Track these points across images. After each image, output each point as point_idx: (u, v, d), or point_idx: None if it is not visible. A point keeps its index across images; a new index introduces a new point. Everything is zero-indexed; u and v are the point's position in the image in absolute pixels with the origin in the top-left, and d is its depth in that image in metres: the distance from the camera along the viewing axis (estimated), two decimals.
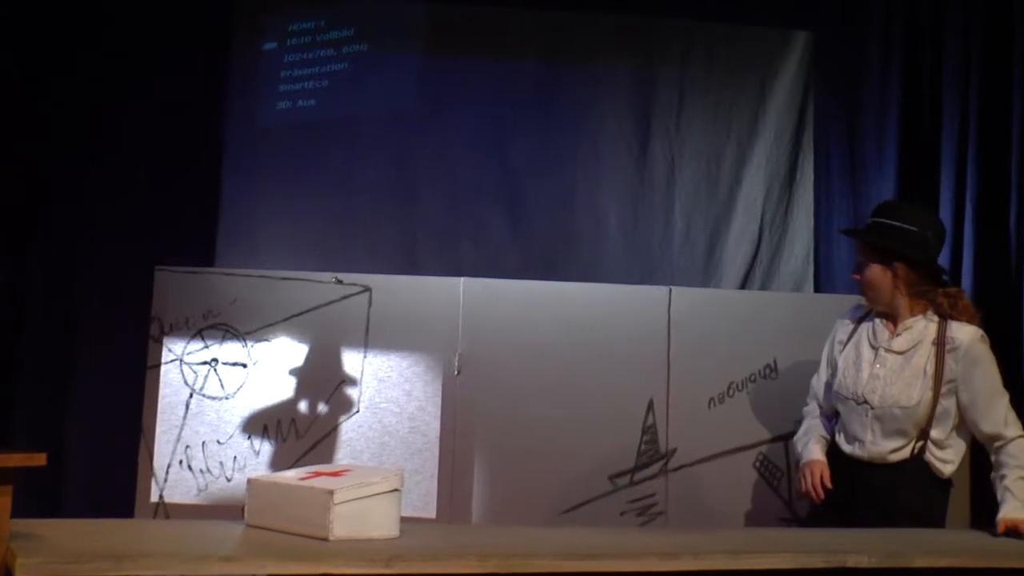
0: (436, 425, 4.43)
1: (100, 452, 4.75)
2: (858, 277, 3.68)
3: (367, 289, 4.49)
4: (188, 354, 4.43)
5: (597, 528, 3.74)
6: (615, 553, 2.64)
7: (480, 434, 4.43)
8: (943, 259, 4.92)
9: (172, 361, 4.43)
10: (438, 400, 4.44)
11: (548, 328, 4.49)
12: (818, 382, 3.84)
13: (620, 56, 5.49)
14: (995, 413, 3.48)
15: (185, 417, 4.40)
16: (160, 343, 4.42)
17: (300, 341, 4.45)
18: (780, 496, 4.48)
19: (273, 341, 4.45)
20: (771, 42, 5.47)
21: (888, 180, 5.19)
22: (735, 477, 4.47)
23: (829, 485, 3.60)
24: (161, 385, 4.41)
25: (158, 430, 4.38)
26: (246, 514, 2.79)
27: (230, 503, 4.26)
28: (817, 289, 5.31)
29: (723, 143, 5.47)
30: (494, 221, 5.32)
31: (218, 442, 4.40)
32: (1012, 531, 3.27)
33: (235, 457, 4.39)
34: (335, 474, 2.77)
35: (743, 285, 5.32)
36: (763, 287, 5.34)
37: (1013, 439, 3.45)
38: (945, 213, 5.05)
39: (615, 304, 4.52)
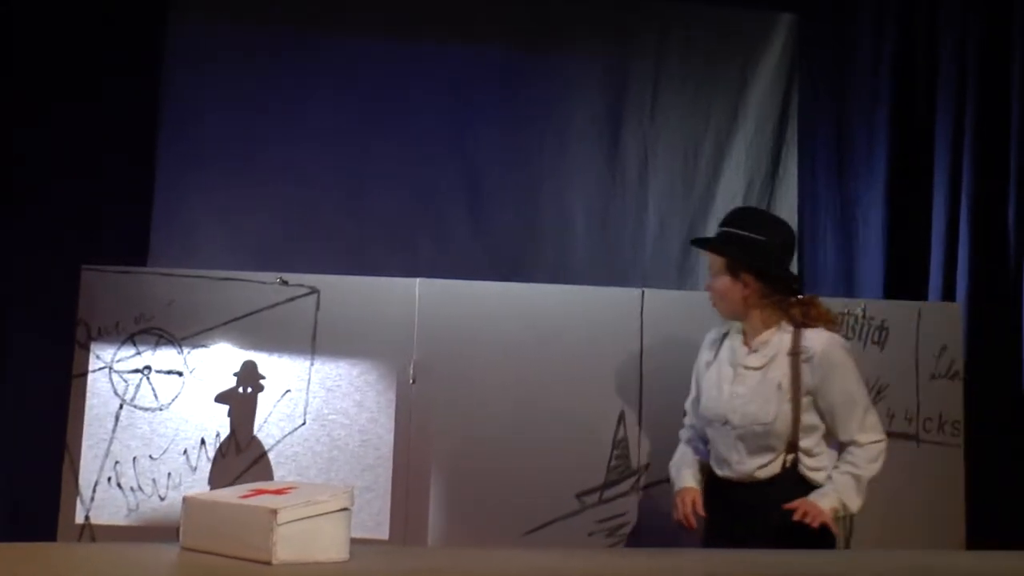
0: (389, 438, 4.41)
1: (20, 469, 4.69)
2: (709, 289, 3.81)
3: (314, 290, 4.46)
4: (118, 361, 4.39)
5: (563, 550, 3.73)
6: None
7: (437, 448, 4.41)
8: (938, 260, 4.99)
9: (100, 369, 4.38)
10: (391, 411, 4.42)
11: (511, 333, 4.48)
12: (690, 405, 4.00)
13: (590, 41, 5.51)
14: (851, 421, 3.63)
15: (114, 430, 4.35)
16: (87, 349, 4.37)
17: (241, 347, 4.42)
18: None
19: (211, 347, 4.41)
20: (753, 26, 5.50)
21: (878, 176, 5.23)
22: None
23: (702, 512, 3.72)
24: (88, 395, 4.36)
25: (84, 444, 4.32)
26: (181, 536, 2.75)
27: (164, 524, 4.22)
28: (801, 292, 5.33)
29: (700, 135, 5.50)
30: (453, 217, 5.33)
31: (151, 457, 4.35)
32: (804, 517, 3.49)
33: (169, 474, 4.35)
34: (279, 492, 2.75)
35: None
36: None
37: (866, 444, 3.61)
38: (939, 212, 5.10)
39: (583, 307, 4.51)
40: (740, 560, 2.91)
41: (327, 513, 2.63)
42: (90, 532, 4.30)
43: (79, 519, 4.30)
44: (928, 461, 4.59)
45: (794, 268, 5.24)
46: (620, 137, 5.47)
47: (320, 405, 4.42)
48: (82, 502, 4.31)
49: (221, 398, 4.40)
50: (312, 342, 4.43)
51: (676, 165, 5.49)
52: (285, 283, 4.46)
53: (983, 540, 4.48)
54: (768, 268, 3.68)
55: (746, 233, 3.70)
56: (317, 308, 4.45)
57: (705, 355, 3.92)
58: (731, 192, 5.47)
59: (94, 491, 4.32)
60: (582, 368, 4.43)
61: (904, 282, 5.16)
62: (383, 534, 4.33)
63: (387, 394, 4.43)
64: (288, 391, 4.42)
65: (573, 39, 5.49)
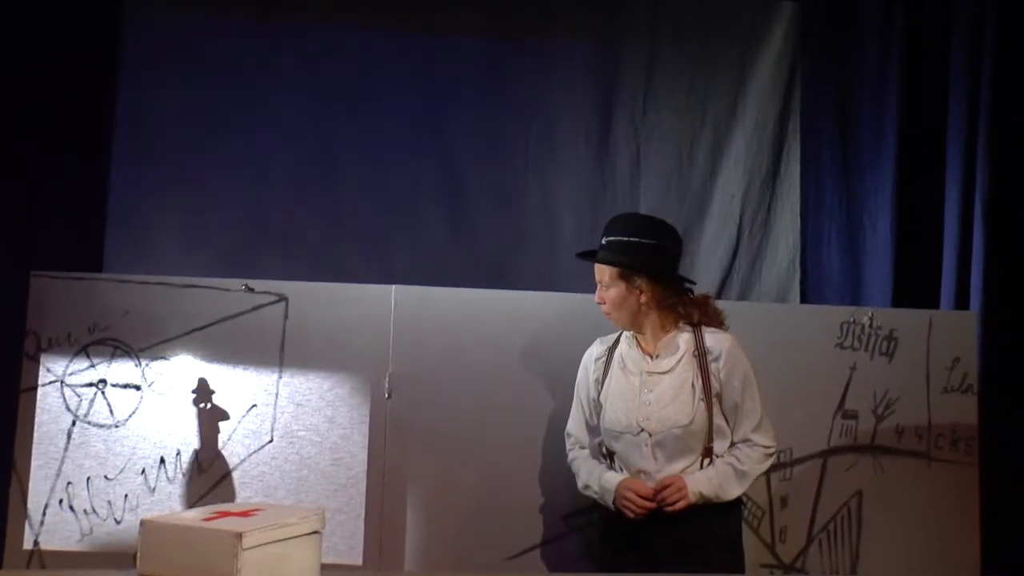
0: (363, 457, 4.40)
1: None
2: (602, 302, 3.91)
3: (283, 298, 4.45)
4: (70, 375, 4.36)
5: None
6: None
7: (414, 467, 4.40)
8: (950, 265, 5.01)
9: (51, 383, 4.36)
10: (365, 428, 4.41)
11: (494, 343, 4.47)
12: (578, 428, 4.08)
13: (577, 30, 5.50)
14: (750, 422, 3.81)
15: (66, 448, 4.33)
16: (37, 362, 4.35)
17: (203, 359, 4.40)
18: (761, 539, 4.49)
19: (171, 359, 4.39)
20: (752, 14, 5.50)
21: (886, 173, 5.23)
22: None
23: (653, 486, 3.73)
24: (38, 411, 4.34)
25: (33, 464, 4.30)
26: (139, 562, 2.75)
27: (120, 549, 4.21)
28: (804, 299, 5.36)
29: (696, 131, 5.50)
30: (431, 219, 5.32)
31: (106, 478, 4.33)
32: (667, 493, 3.67)
33: (126, 495, 4.33)
34: (244, 514, 2.74)
35: (719, 294, 5.35)
36: (742, 297, 5.38)
37: (757, 445, 3.80)
38: (952, 213, 5.11)
39: (571, 316, 4.50)
40: None
41: (296, 537, 2.63)
42: (40, 559, 4.27)
43: (27, 544, 4.27)
44: (940, 481, 4.59)
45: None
46: (609, 134, 5.47)
47: (289, 421, 4.41)
48: (31, 526, 4.28)
49: (182, 414, 4.38)
50: (280, 353, 4.42)
51: (670, 164, 5.49)
52: (251, 290, 4.44)
53: (999, 566, 4.48)
54: (659, 272, 3.84)
55: (634, 239, 3.84)
56: (285, 317, 4.43)
57: (592, 372, 4.03)
58: (729, 192, 5.47)
59: (44, 514, 4.29)
60: (569, 381, 4.42)
61: (914, 289, 5.17)
62: (356, 559, 4.31)
63: (360, 409, 4.42)
64: (254, 406, 4.41)
65: (558, 28, 5.48)
